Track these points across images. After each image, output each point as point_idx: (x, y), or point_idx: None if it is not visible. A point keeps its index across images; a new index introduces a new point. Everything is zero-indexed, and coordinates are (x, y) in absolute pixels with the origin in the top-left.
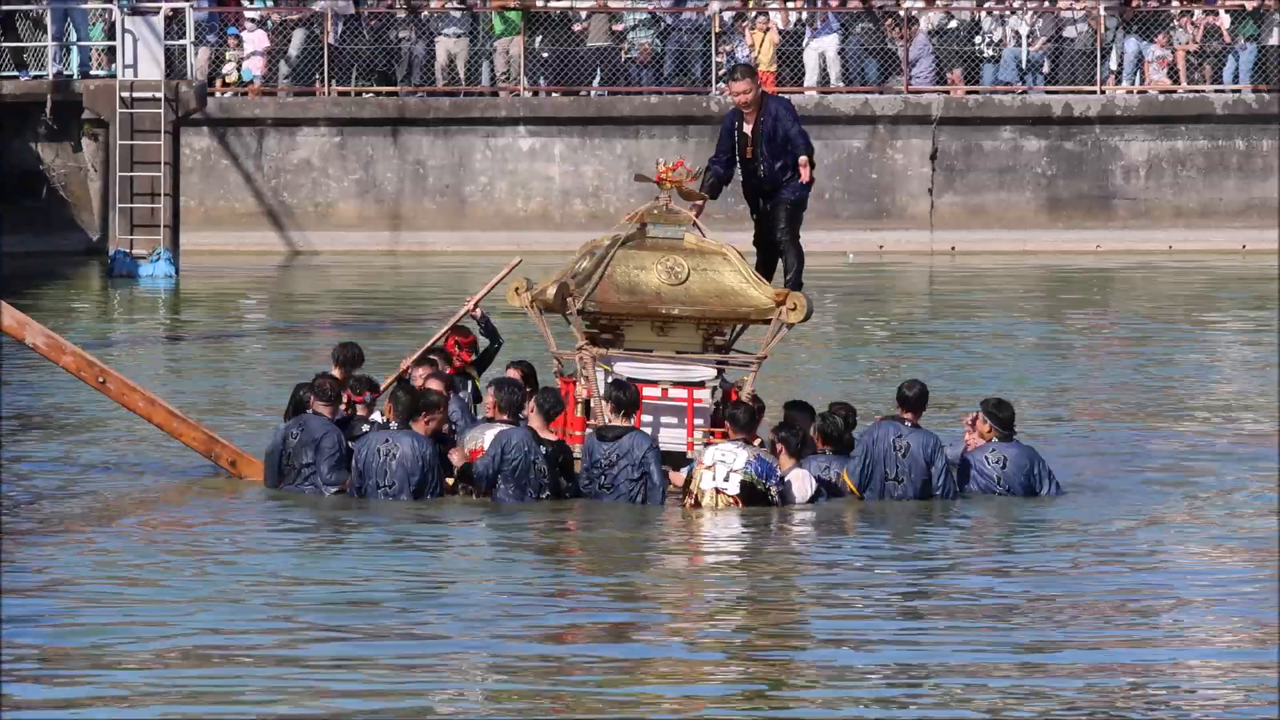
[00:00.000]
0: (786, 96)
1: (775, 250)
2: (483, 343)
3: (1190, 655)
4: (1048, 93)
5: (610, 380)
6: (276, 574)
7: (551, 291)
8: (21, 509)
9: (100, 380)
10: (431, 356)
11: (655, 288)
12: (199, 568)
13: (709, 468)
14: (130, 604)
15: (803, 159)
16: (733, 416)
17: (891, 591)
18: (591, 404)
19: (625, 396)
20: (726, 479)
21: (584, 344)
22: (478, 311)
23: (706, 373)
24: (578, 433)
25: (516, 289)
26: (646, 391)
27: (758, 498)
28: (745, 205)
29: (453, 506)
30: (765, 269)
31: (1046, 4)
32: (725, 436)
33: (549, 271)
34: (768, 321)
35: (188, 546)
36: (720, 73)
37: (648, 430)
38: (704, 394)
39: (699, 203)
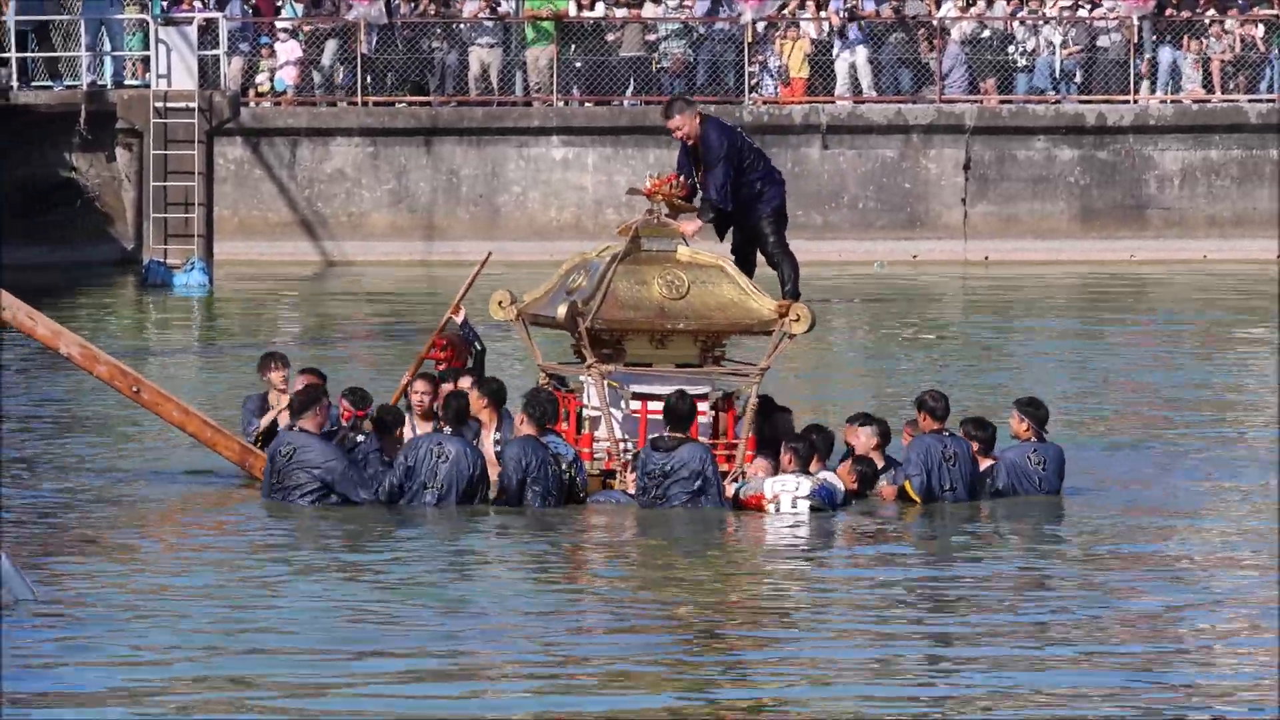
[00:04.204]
0: (729, 124)
1: (752, 260)
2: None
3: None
4: (1081, 102)
5: (675, 391)
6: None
7: (562, 310)
8: (59, 514)
9: (134, 390)
10: (428, 371)
11: (657, 302)
12: (248, 577)
13: (771, 500)
14: (152, 613)
15: (698, 221)
16: (794, 449)
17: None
18: (588, 417)
19: (683, 407)
20: (794, 505)
21: (593, 362)
22: (460, 315)
23: (705, 386)
24: (585, 450)
25: (500, 302)
26: (651, 405)
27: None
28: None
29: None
30: (743, 269)
31: (1080, 13)
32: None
33: (534, 284)
34: (769, 333)
35: (228, 555)
36: (752, 82)
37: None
38: (704, 406)
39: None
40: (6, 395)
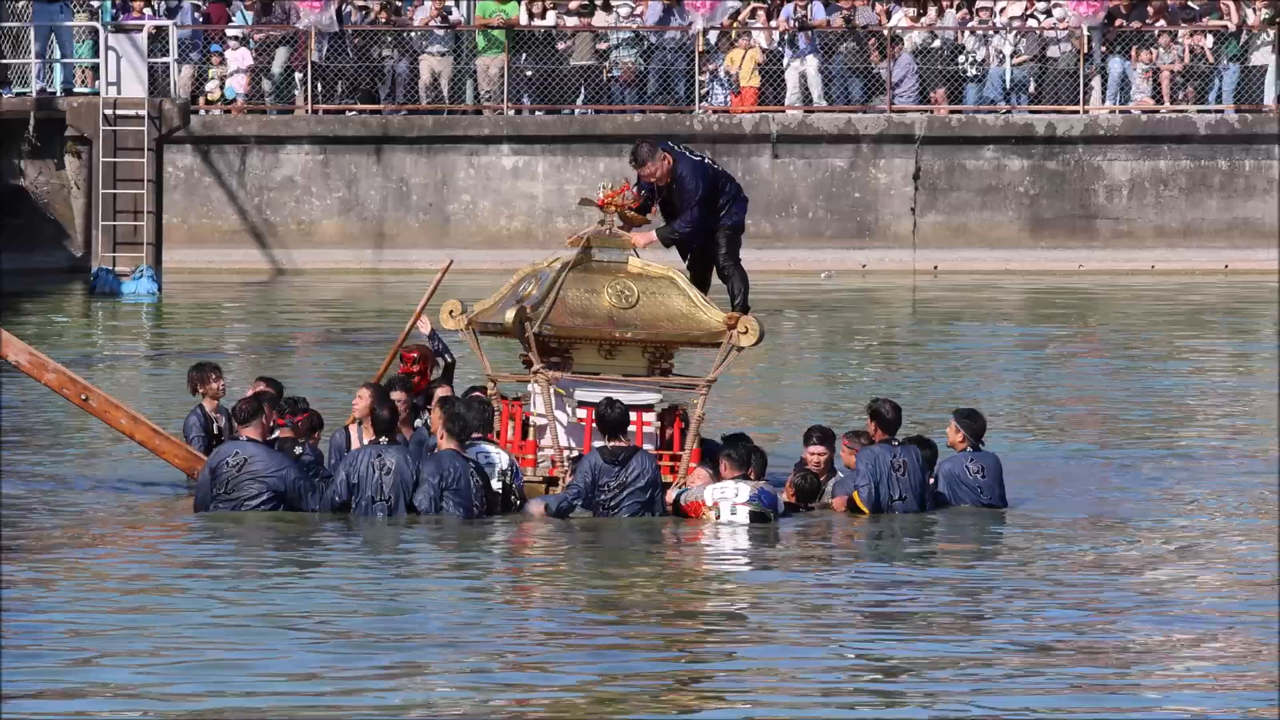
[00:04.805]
0: (697, 157)
1: (707, 279)
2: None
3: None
4: (1031, 112)
5: (603, 399)
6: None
7: (509, 315)
8: (7, 523)
9: (83, 398)
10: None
11: (607, 311)
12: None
13: (710, 507)
14: (114, 631)
15: (653, 232)
16: (728, 455)
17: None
18: (534, 424)
19: (612, 414)
20: (734, 512)
21: (539, 368)
22: (426, 325)
23: (652, 397)
24: (529, 456)
25: (451, 311)
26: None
27: (765, 522)
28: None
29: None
30: (699, 284)
31: (1030, 23)
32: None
33: (482, 294)
34: (717, 345)
35: (176, 564)
36: (702, 91)
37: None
38: (650, 417)
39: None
40: None
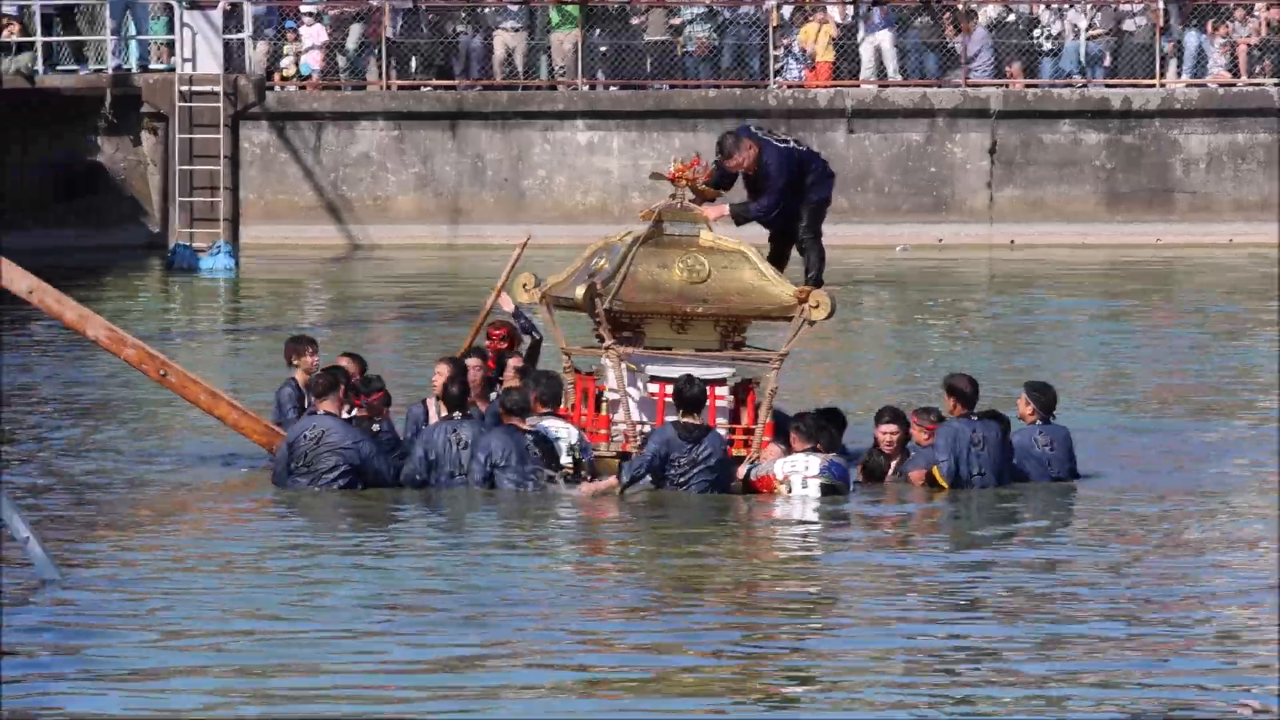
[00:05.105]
0: (785, 145)
1: (789, 248)
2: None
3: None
4: (1107, 86)
5: (683, 376)
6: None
7: (579, 290)
8: (87, 497)
9: (161, 373)
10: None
11: (678, 286)
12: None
13: (781, 481)
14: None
15: (726, 206)
16: (797, 429)
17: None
18: (607, 399)
19: (690, 391)
20: (805, 486)
21: (610, 343)
22: (509, 302)
23: (725, 370)
24: (602, 430)
25: (525, 285)
26: (669, 389)
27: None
28: None
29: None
30: (777, 262)
31: None
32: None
33: (557, 268)
34: (789, 319)
35: (256, 538)
36: (777, 66)
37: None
38: (723, 391)
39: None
40: (38, 378)
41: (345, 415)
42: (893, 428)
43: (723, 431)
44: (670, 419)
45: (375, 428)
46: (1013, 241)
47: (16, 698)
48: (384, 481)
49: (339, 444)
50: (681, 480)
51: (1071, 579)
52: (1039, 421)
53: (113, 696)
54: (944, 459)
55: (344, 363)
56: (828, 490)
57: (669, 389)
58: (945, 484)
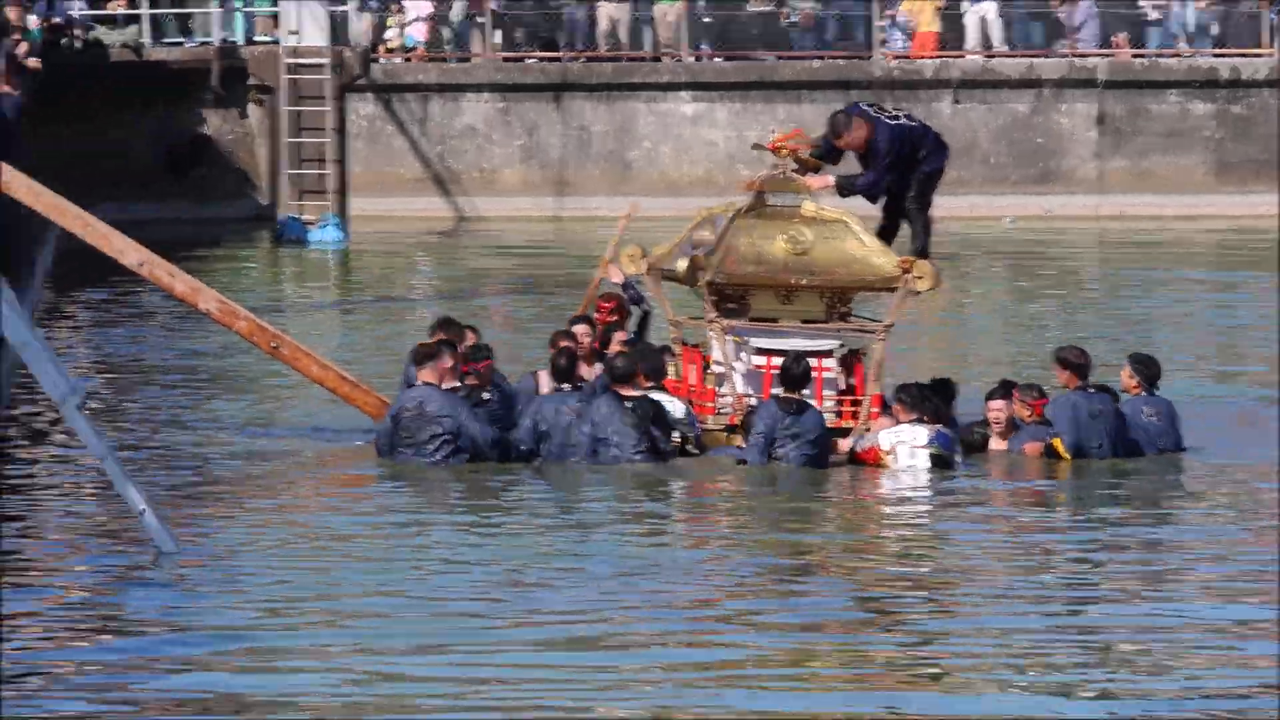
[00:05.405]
0: (897, 122)
1: (900, 216)
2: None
3: None
4: (1215, 55)
5: (790, 354)
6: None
7: (681, 264)
8: (201, 469)
9: (273, 345)
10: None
11: (780, 257)
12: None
13: (888, 452)
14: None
15: (832, 178)
16: (901, 399)
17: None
18: (717, 372)
19: (797, 370)
20: (913, 456)
21: (714, 316)
22: (618, 274)
23: (832, 342)
24: (708, 403)
25: (631, 256)
26: (775, 361)
27: (946, 467)
28: None
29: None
30: (887, 235)
31: None
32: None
33: (663, 240)
34: (894, 290)
35: (368, 509)
36: (881, 37)
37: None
38: (831, 363)
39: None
40: (150, 350)
41: (455, 384)
42: (1001, 404)
43: (830, 403)
44: (773, 392)
45: (485, 396)
46: (1121, 213)
47: (127, 673)
48: (480, 449)
49: (437, 413)
50: (781, 452)
51: (1202, 556)
52: (1143, 393)
53: (225, 675)
54: (1066, 431)
55: (440, 336)
56: (936, 461)
57: (775, 361)
58: (1068, 456)
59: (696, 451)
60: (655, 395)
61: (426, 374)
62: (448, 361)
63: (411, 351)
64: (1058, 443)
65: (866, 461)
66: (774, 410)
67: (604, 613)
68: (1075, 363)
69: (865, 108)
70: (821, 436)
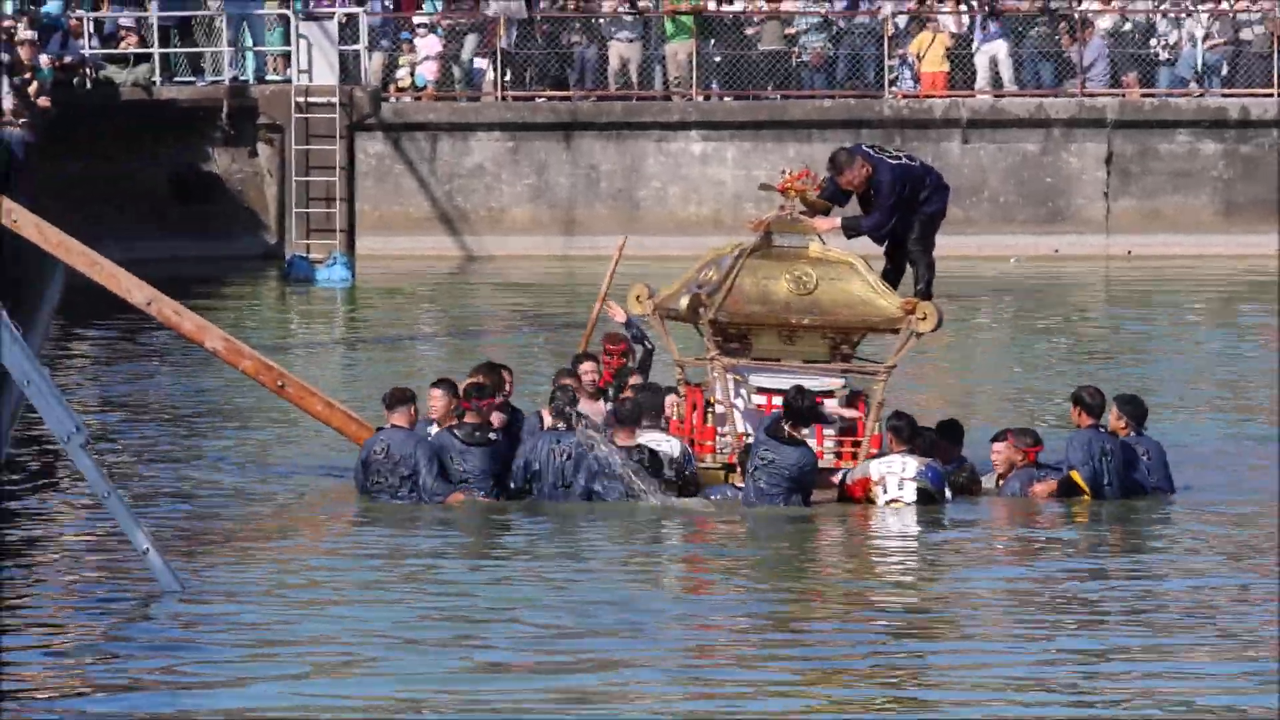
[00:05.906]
0: (899, 161)
1: (904, 259)
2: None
3: None
4: (1224, 96)
5: (793, 388)
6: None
7: (684, 302)
8: (205, 507)
9: (279, 384)
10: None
11: (784, 297)
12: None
13: (877, 482)
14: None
15: (839, 219)
16: (895, 429)
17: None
18: (718, 411)
19: (800, 404)
20: (900, 488)
21: (715, 354)
22: (620, 313)
23: (834, 382)
24: (708, 442)
25: (638, 296)
26: (776, 400)
27: (931, 503)
28: None
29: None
30: (892, 279)
31: (1224, 6)
32: (854, 447)
33: (672, 280)
34: (896, 331)
35: (373, 549)
36: (891, 76)
37: None
38: (832, 403)
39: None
40: (154, 389)
41: (455, 420)
42: (1003, 446)
43: (831, 444)
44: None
45: (491, 436)
46: (1129, 252)
47: (130, 715)
48: (425, 490)
49: (397, 455)
50: (752, 470)
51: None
52: (1132, 434)
53: (230, 707)
54: (1083, 464)
55: (482, 378)
56: (924, 496)
57: (775, 400)
58: (1087, 490)
59: (692, 489)
60: (652, 434)
61: (397, 418)
62: (414, 412)
63: (384, 395)
64: (1076, 475)
65: (854, 496)
66: (761, 438)
67: (599, 656)
68: (1089, 402)
69: (867, 149)
70: (801, 475)
